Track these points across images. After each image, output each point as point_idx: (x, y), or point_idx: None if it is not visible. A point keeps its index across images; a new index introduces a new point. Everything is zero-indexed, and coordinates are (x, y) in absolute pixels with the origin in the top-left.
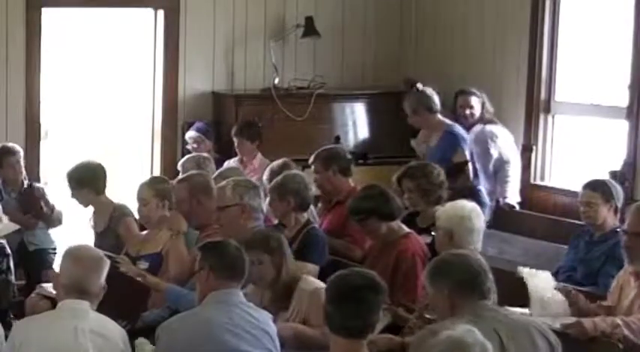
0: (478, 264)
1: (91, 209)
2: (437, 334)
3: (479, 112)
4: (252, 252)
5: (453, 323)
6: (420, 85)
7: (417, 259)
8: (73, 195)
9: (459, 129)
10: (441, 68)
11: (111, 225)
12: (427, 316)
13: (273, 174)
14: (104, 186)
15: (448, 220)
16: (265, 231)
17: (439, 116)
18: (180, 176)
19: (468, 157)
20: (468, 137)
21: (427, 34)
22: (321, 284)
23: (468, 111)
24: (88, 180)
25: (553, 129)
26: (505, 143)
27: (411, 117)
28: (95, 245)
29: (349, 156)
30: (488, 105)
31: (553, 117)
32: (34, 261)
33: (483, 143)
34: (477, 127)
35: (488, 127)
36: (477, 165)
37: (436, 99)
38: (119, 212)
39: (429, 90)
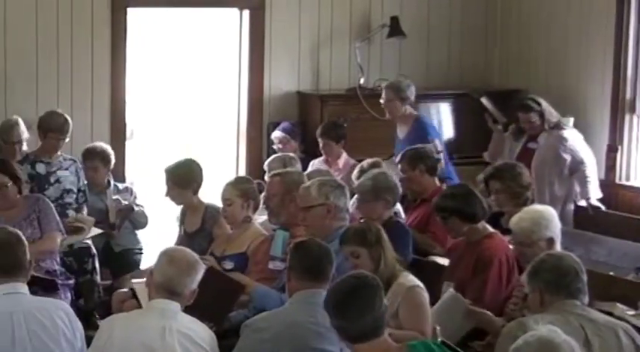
0: (570, 265)
1: (178, 209)
2: (524, 326)
3: (539, 123)
4: (349, 246)
5: (542, 318)
6: (484, 100)
7: (496, 260)
8: (170, 193)
9: (427, 119)
10: (525, 68)
11: (204, 225)
12: (524, 313)
13: (363, 172)
14: (201, 186)
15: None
16: (363, 225)
17: (409, 107)
18: (275, 171)
19: (440, 147)
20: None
21: (512, 34)
22: (420, 284)
23: (529, 126)
24: (189, 179)
25: (638, 130)
26: (576, 144)
27: (386, 104)
28: (182, 245)
29: (435, 156)
30: (549, 113)
31: (639, 117)
32: (119, 261)
33: (554, 149)
34: (543, 135)
35: (555, 132)
36: (551, 171)
37: (412, 90)
38: (212, 212)
39: (407, 82)
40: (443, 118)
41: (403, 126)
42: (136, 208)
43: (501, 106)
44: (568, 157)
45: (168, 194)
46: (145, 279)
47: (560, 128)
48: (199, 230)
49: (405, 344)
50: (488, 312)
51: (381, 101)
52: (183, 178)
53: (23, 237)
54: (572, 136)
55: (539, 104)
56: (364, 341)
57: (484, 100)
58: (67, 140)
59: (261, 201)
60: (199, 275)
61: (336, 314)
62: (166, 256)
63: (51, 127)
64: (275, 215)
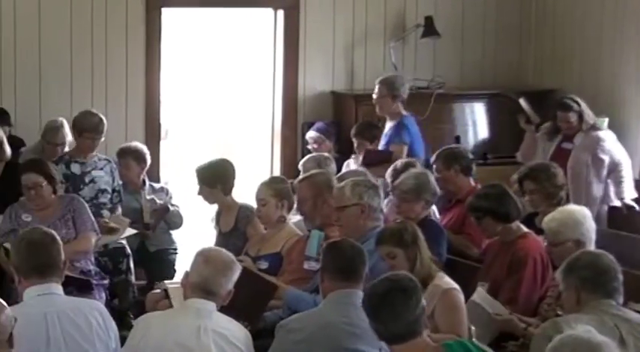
0: (607, 264)
1: (213, 209)
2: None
3: (577, 123)
4: (385, 247)
5: (577, 318)
6: (522, 101)
7: (530, 260)
8: (201, 193)
9: (411, 122)
10: (559, 67)
11: (237, 225)
12: (558, 312)
13: (397, 172)
14: (232, 186)
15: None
16: (399, 225)
17: (400, 105)
18: (302, 175)
19: (405, 155)
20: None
21: (546, 33)
22: (456, 286)
23: (566, 126)
24: (219, 179)
25: None
26: (612, 145)
27: (378, 99)
28: (218, 245)
29: (470, 156)
30: (587, 113)
31: None
32: (154, 261)
33: (592, 150)
34: (580, 136)
35: (592, 133)
36: (589, 172)
37: (405, 88)
38: (246, 212)
39: (402, 79)
40: (477, 118)
41: (389, 123)
42: (172, 208)
43: (536, 106)
44: (606, 158)
45: (199, 193)
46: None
47: (597, 129)
48: (233, 230)
49: (442, 344)
50: (511, 317)
51: (374, 95)
52: (212, 177)
53: (58, 237)
54: (609, 137)
55: (578, 104)
56: (400, 343)
57: (522, 101)
58: (102, 139)
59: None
60: (235, 275)
61: (371, 317)
62: (202, 256)
63: (85, 127)
64: (309, 219)
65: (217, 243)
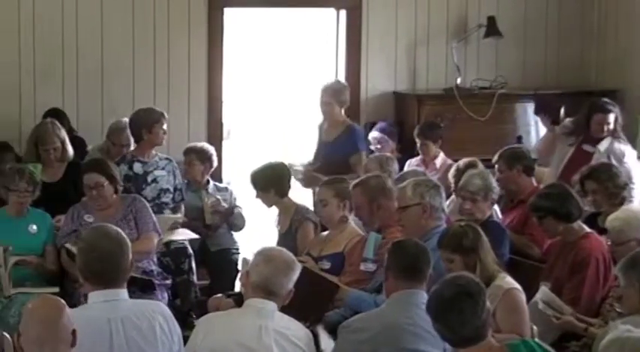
0: None
1: (275, 209)
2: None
3: (612, 127)
4: (443, 251)
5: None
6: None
7: (593, 260)
8: (258, 196)
9: (360, 130)
10: (623, 66)
11: (292, 227)
12: (617, 310)
13: (459, 172)
14: (288, 188)
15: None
16: (461, 229)
17: (342, 112)
18: (355, 181)
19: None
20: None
21: (609, 33)
22: (517, 286)
23: (601, 128)
24: (273, 182)
25: None
26: (630, 161)
27: (325, 106)
28: (278, 245)
29: (532, 156)
30: (620, 119)
31: None
32: (216, 261)
33: (617, 159)
34: (607, 141)
35: (618, 145)
36: None
37: (347, 95)
38: (300, 215)
39: (345, 85)
40: (539, 118)
41: (332, 130)
42: (235, 210)
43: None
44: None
45: (257, 197)
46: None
47: (621, 139)
48: (287, 232)
49: (506, 344)
50: (570, 318)
51: (319, 101)
52: (265, 182)
53: (128, 243)
54: (629, 153)
55: (615, 107)
56: (467, 347)
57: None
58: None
59: None
60: (295, 274)
61: (437, 321)
62: (263, 256)
63: (156, 118)
64: (368, 224)
65: (278, 244)
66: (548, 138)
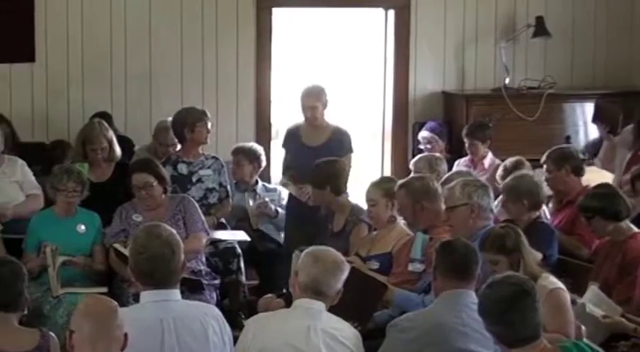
0: None
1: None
2: None
3: None
4: (487, 253)
5: None
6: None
7: None
8: (312, 194)
9: (348, 132)
10: None
11: (346, 227)
12: None
13: (507, 171)
14: (344, 187)
15: None
16: (502, 231)
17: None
18: (399, 182)
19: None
20: None
21: None
22: (561, 285)
23: None
24: (329, 180)
25: None
26: None
27: (310, 110)
28: (328, 243)
29: (581, 156)
30: None
31: None
32: (265, 261)
33: None
34: None
35: None
36: None
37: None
38: (355, 216)
39: (324, 88)
40: (588, 118)
41: (318, 134)
42: (280, 211)
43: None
44: None
45: (312, 195)
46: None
47: None
48: (341, 231)
49: (558, 345)
50: (619, 319)
51: (302, 105)
52: (321, 179)
53: (179, 243)
54: None
55: None
56: (522, 346)
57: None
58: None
59: None
60: (344, 275)
61: (495, 322)
62: (311, 256)
63: (197, 117)
64: (413, 224)
65: (329, 242)
66: (606, 147)
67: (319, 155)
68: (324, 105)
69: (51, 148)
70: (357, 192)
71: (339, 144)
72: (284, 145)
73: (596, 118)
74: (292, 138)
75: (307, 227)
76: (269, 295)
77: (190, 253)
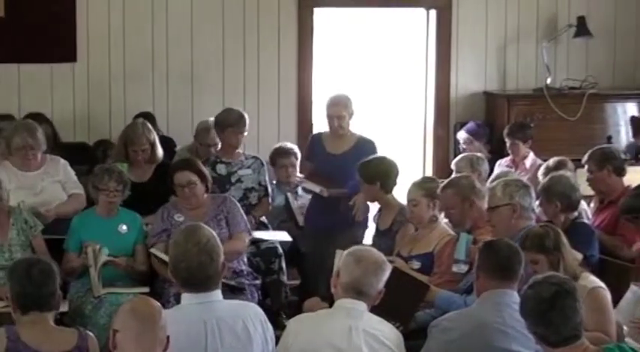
0: None
1: (375, 206)
2: None
3: None
4: (527, 253)
5: None
6: None
7: None
8: (361, 189)
9: (373, 141)
10: None
11: (392, 227)
12: None
13: (548, 171)
14: (394, 185)
15: None
16: (541, 230)
17: None
18: (445, 182)
19: None
20: None
21: None
22: (601, 284)
23: None
24: (380, 176)
25: None
26: None
27: (339, 120)
28: (374, 242)
29: (623, 156)
30: None
31: None
32: (306, 261)
33: None
34: None
35: None
36: None
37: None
38: (403, 217)
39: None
40: (629, 118)
41: (341, 143)
42: None
43: None
44: None
45: (361, 189)
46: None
47: None
48: (388, 230)
49: (602, 347)
50: None
51: (329, 114)
52: (372, 174)
53: (218, 248)
54: None
55: None
56: (563, 346)
57: None
58: (245, 134)
59: None
60: (386, 275)
61: (537, 322)
62: (353, 256)
63: (228, 122)
64: (459, 224)
65: (373, 240)
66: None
67: (343, 162)
68: (351, 115)
69: (94, 148)
70: (398, 192)
71: (363, 152)
72: (307, 152)
73: (636, 134)
74: (316, 146)
75: (325, 219)
76: (314, 298)
77: (233, 254)
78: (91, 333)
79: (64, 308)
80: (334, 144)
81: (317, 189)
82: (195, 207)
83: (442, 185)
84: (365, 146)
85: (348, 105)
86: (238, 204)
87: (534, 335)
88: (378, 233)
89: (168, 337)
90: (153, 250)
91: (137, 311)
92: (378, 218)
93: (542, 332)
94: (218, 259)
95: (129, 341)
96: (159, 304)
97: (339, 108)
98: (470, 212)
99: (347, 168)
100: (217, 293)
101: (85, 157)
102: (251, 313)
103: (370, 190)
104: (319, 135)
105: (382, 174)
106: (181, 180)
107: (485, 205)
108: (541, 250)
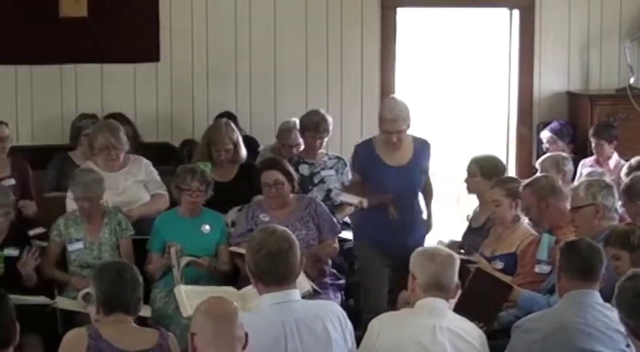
0: None
1: (473, 204)
2: None
3: None
4: (611, 248)
5: None
6: None
7: None
8: (470, 181)
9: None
10: None
11: (485, 225)
12: None
13: (631, 170)
14: None
15: None
16: (628, 228)
17: None
18: (525, 182)
19: None
20: None
21: None
22: None
23: None
24: (498, 172)
25: None
26: None
27: (400, 134)
28: (463, 238)
29: None
30: None
31: None
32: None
33: None
34: None
35: None
36: None
37: None
38: None
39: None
40: None
41: (398, 154)
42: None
43: None
44: None
45: (465, 181)
46: None
47: None
48: (480, 228)
49: None
50: None
51: (388, 129)
52: (491, 169)
53: (295, 241)
54: None
55: None
56: None
57: None
58: (326, 138)
59: None
60: (457, 267)
61: (630, 315)
62: (426, 255)
63: (306, 126)
64: (538, 224)
65: (464, 237)
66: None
67: (405, 173)
68: (409, 126)
69: (180, 148)
70: None
71: (425, 155)
72: (356, 165)
73: None
74: (369, 158)
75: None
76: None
77: (327, 257)
78: (171, 334)
79: (146, 313)
80: (393, 156)
81: (355, 200)
82: (280, 206)
83: (523, 184)
84: (423, 148)
85: (408, 117)
86: (326, 208)
87: (627, 326)
88: (470, 230)
89: (246, 334)
90: (233, 247)
91: (212, 312)
92: (472, 216)
93: (635, 324)
94: (296, 250)
95: (207, 343)
96: (234, 303)
97: (399, 124)
98: (546, 212)
99: (415, 178)
100: (296, 293)
101: (168, 157)
102: (328, 310)
103: (481, 184)
104: (369, 146)
105: (501, 170)
106: (268, 179)
107: (568, 205)
108: (625, 246)
